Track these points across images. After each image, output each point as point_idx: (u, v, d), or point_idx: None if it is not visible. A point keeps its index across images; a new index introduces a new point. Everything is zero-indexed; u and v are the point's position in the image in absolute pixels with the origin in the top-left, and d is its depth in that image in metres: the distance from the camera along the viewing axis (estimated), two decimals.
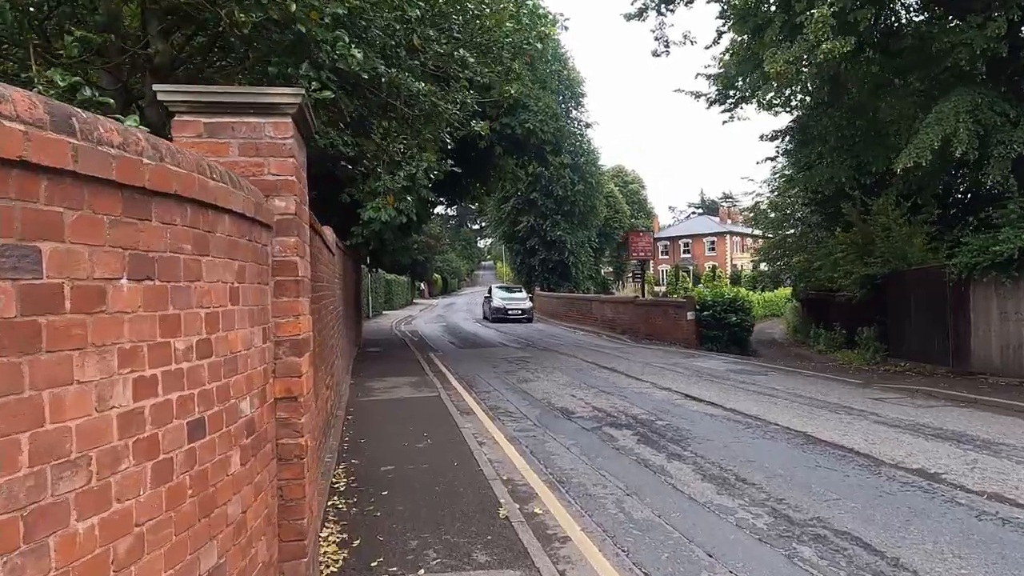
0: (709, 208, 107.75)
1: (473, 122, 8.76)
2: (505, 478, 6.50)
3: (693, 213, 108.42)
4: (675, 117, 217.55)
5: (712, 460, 7.04)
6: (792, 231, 27.26)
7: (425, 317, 38.61)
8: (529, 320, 32.08)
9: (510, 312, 32.02)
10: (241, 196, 2.87)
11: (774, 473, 6.51)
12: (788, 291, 31.24)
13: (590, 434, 8.43)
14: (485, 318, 34.65)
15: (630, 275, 74.75)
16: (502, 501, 5.62)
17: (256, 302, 3.13)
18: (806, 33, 11.66)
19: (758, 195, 31.35)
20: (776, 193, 28.52)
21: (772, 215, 28.57)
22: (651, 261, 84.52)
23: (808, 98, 14.60)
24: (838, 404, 10.17)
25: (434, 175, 7.39)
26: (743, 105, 18.93)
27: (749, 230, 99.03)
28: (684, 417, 9.27)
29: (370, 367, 15.03)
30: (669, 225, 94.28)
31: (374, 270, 30.36)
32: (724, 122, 19.44)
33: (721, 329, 21.62)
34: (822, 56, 11.36)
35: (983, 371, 12.77)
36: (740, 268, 78.36)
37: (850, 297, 19.74)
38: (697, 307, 21.83)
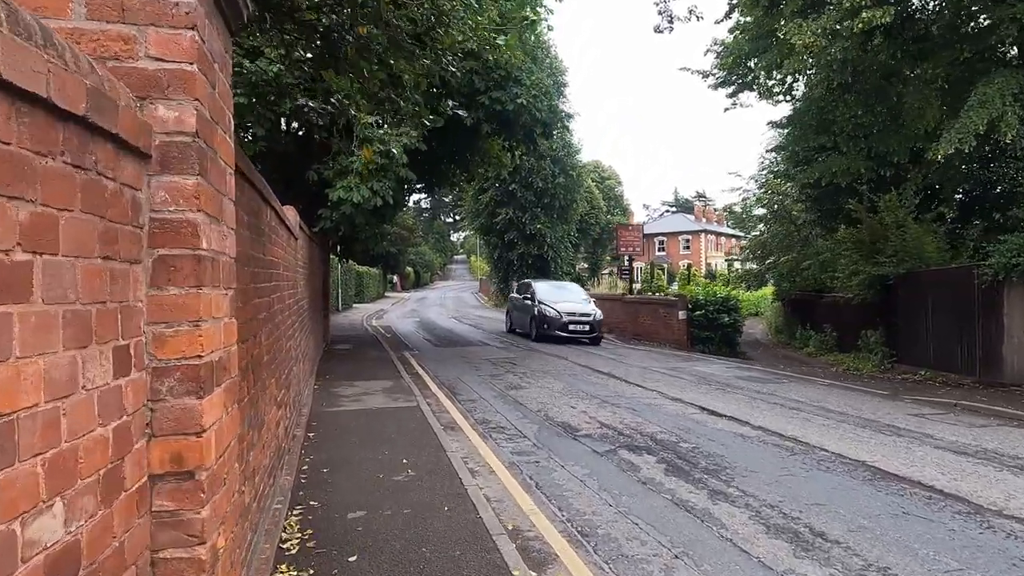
0: (683, 207, 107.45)
1: (494, 36, 7.03)
2: (511, 527, 4.98)
3: (667, 211, 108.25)
4: (652, 113, 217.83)
5: (769, 502, 5.61)
6: (780, 228, 26.19)
7: (398, 311, 36.89)
8: (597, 340, 19.23)
9: (572, 328, 18.79)
10: (41, 60, 1.29)
11: (856, 524, 5.09)
12: (768, 291, 30.18)
13: (605, 460, 6.95)
14: (512, 331, 22.12)
15: (606, 271, 73.90)
16: (516, 574, 4.10)
17: (98, 296, 1.55)
18: (840, 1, 10.33)
19: (745, 191, 30.35)
20: (765, 189, 27.47)
21: (760, 211, 27.51)
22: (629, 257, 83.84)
23: (820, 83, 13.29)
24: (879, 421, 8.85)
25: (429, 121, 5.67)
26: (747, 91, 17.72)
27: (724, 228, 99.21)
28: (712, 438, 7.84)
29: (338, 368, 13.37)
30: (644, 222, 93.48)
31: (344, 261, 28.53)
32: (726, 109, 18.08)
33: (714, 330, 20.48)
34: (861, 25, 10.04)
35: (1017, 383, 11.63)
36: (715, 267, 78.04)
37: (847, 298, 18.73)
38: (689, 306, 20.61)
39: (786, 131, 24.85)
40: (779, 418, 8.98)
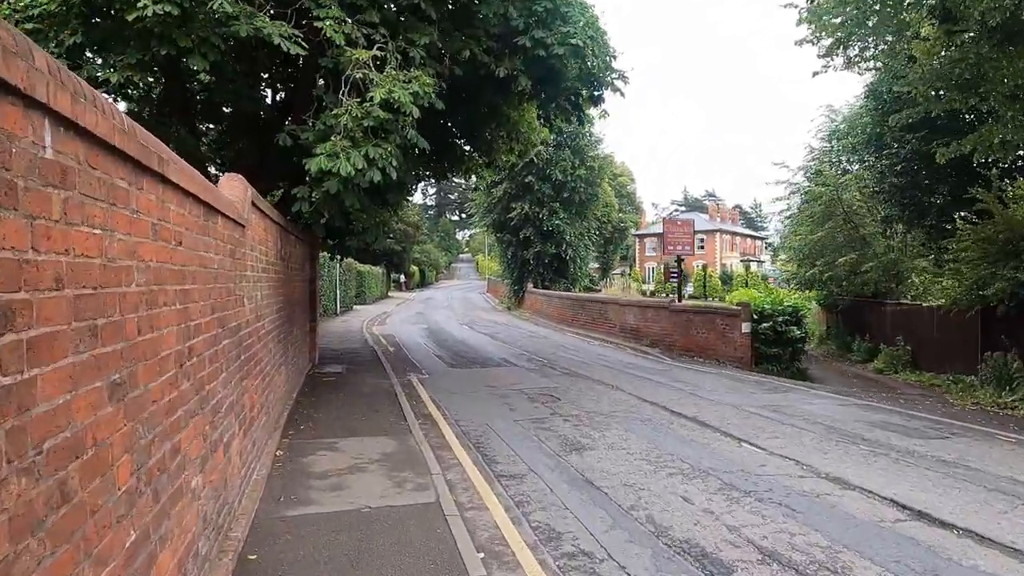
0: (692, 206, 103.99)
1: None
2: None
3: (676, 210, 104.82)
4: (651, 112, 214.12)
5: None
6: (835, 226, 22.52)
7: (402, 315, 33.22)
8: None
9: None
10: None
11: None
12: (806, 295, 26.58)
13: None
14: None
15: (617, 271, 70.25)
16: None
17: None
18: None
19: (791, 184, 26.62)
20: (817, 182, 23.77)
21: (816, 206, 23.85)
22: (637, 258, 79.94)
23: (994, 13, 9.48)
24: None
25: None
26: (841, 51, 14.00)
27: (739, 228, 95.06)
28: None
29: (321, 409, 9.66)
30: (654, 222, 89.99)
31: (336, 258, 24.76)
32: (815, 73, 14.44)
33: (782, 346, 16.95)
34: None
35: None
36: (730, 267, 74.45)
37: (937, 308, 15.52)
38: (754, 317, 16.97)
39: (858, 108, 21.07)
40: None
